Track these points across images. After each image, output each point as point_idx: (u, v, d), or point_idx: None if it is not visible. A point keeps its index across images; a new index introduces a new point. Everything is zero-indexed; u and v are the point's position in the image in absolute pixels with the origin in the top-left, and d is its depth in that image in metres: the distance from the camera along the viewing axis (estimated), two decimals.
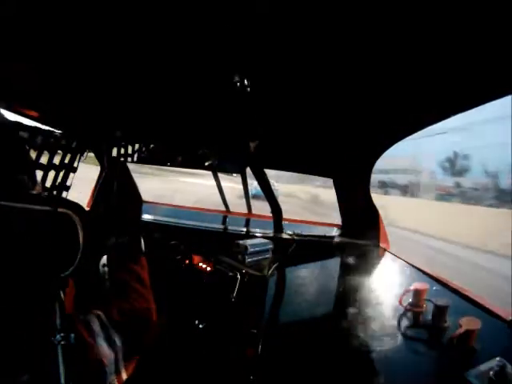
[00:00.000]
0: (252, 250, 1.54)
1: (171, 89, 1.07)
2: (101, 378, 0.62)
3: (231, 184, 1.90)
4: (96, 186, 1.96)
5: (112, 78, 1.01)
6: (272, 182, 1.99)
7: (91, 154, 1.83)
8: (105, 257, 1.16)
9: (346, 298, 1.29)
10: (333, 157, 1.60)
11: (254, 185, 2.05)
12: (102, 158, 1.92)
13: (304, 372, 0.83)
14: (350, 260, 1.70)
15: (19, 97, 1.12)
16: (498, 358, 0.74)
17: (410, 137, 1.21)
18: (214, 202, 2.34)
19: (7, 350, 0.49)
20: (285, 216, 1.98)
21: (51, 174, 1.32)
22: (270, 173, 1.89)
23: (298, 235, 1.83)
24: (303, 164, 1.77)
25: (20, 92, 1.09)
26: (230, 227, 2.00)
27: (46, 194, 1.27)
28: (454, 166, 31.36)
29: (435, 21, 0.56)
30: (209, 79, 0.95)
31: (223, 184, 2.04)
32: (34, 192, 0.77)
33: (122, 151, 1.70)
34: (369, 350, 0.91)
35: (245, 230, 1.99)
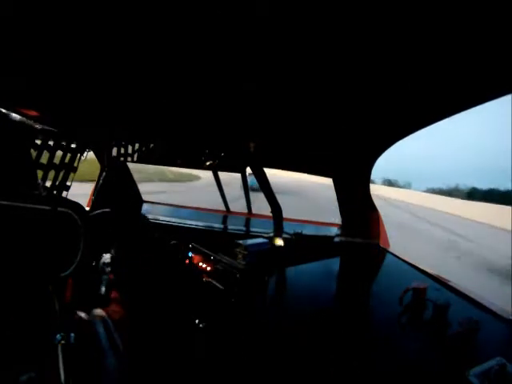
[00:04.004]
0: (252, 249, 1.54)
1: (171, 89, 1.07)
2: (97, 367, 0.62)
3: None
4: (96, 186, 1.96)
5: (112, 78, 1.01)
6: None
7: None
8: (107, 255, 1.16)
9: (346, 297, 1.29)
10: (332, 156, 1.60)
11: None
12: (102, 158, 1.92)
13: (305, 371, 0.83)
14: (350, 260, 1.70)
15: (19, 97, 1.12)
16: (498, 358, 0.74)
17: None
18: None
19: (7, 349, 0.49)
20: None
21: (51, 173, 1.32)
22: None
23: (298, 235, 1.83)
24: (303, 163, 1.77)
25: (20, 92, 1.08)
26: (230, 227, 2.00)
27: (45, 193, 1.27)
28: None
29: (435, 21, 0.56)
30: (209, 79, 0.95)
31: None
32: (36, 191, 0.77)
33: (122, 151, 1.70)
34: (368, 349, 0.91)
35: (245, 229, 1.99)
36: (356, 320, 1.08)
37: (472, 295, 1.08)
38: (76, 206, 0.65)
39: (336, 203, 1.81)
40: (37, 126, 1.25)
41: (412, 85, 0.84)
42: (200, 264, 1.63)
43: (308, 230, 1.91)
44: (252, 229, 1.98)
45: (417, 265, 1.42)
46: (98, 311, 0.76)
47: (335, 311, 1.18)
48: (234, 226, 2.02)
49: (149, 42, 0.76)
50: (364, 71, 0.79)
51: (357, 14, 0.57)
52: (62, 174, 1.39)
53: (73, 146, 1.43)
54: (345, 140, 1.39)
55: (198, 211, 2.40)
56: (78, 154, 1.48)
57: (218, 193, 2.21)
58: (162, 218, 1.99)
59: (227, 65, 0.84)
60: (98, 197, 1.89)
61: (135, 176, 2.12)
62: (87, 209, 1.81)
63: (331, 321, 1.08)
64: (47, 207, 0.60)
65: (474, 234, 12.43)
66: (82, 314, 0.70)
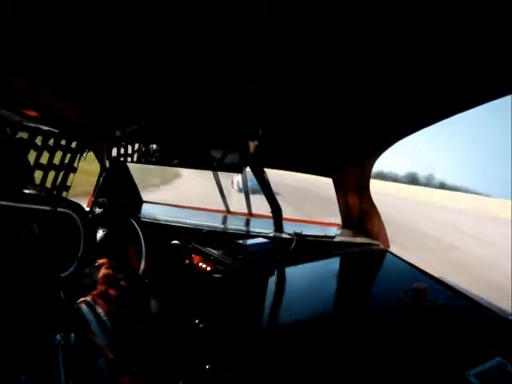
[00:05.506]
0: (252, 249, 1.54)
1: (171, 89, 1.07)
2: (96, 366, 0.62)
3: None
4: (96, 186, 1.96)
5: (112, 78, 1.01)
6: None
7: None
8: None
9: (346, 297, 1.29)
10: (332, 157, 1.60)
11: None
12: (102, 158, 1.92)
13: (305, 371, 0.83)
14: (350, 260, 1.70)
15: (19, 97, 1.12)
16: (498, 358, 0.74)
17: None
18: None
19: (7, 349, 0.49)
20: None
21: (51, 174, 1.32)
22: None
23: (298, 235, 1.83)
24: (303, 163, 1.78)
25: (20, 92, 1.09)
26: (229, 227, 2.00)
27: (45, 193, 1.27)
28: None
29: (435, 21, 0.56)
30: (209, 79, 0.95)
31: None
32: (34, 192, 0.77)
33: (122, 151, 1.70)
34: (368, 349, 0.91)
35: (245, 229, 1.99)
36: (356, 320, 1.08)
37: (472, 296, 1.08)
38: (76, 207, 0.65)
39: None
40: (37, 126, 1.25)
41: (412, 85, 0.84)
42: (200, 264, 1.63)
43: (308, 230, 1.91)
44: (252, 229, 1.98)
45: (417, 265, 1.42)
46: (85, 298, 0.76)
47: (335, 311, 1.18)
48: (234, 225, 2.02)
49: (148, 42, 0.76)
50: (364, 72, 0.79)
51: (357, 14, 0.57)
52: (61, 175, 1.39)
53: (73, 145, 1.43)
54: (345, 140, 1.39)
55: (198, 211, 2.39)
56: (78, 154, 1.48)
57: None
58: (162, 218, 1.99)
59: (227, 65, 0.84)
60: (97, 197, 1.89)
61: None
62: (87, 209, 1.82)
63: (331, 321, 1.08)
64: (47, 207, 0.60)
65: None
66: (72, 304, 0.71)
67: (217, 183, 2.14)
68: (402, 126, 1.16)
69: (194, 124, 1.43)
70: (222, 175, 2.05)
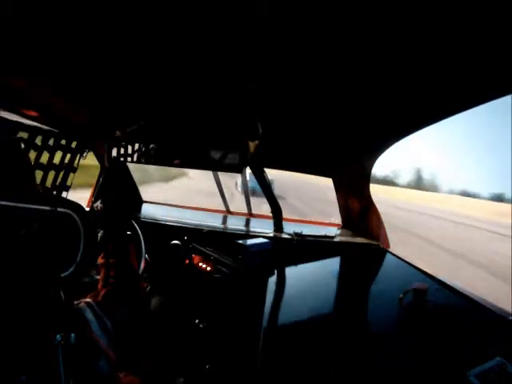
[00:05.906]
0: (252, 249, 1.54)
1: (171, 89, 1.07)
2: (96, 366, 0.62)
3: None
4: (96, 186, 1.96)
5: (112, 78, 1.01)
6: None
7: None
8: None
9: (346, 297, 1.29)
10: (332, 156, 1.60)
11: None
12: (102, 158, 1.92)
13: (305, 372, 0.83)
14: (350, 260, 1.70)
15: (19, 97, 1.12)
16: (498, 358, 0.74)
17: None
18: None
19: (7, 349, 0.49)
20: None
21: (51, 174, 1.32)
22: None
23: (298, 235, 1.83)
24: (303, 163, 1.78)
25: (20, 92, 1.09)
26: (229, 227, 2.00)
27: (45, 193, 1.27)
28: None
29: (433, 21, 0.56)
30: (209, 79, 0.95)
31: None
32: (34, 192, 0.77)
33: (122, 151, 1.70)
34: (369, 349, 0.91)
35: (245, 229, 1.99)
36: (356, 320, 1.08)
37: (472, 296, 1.08)
38: (76, 207, 0.65)
39: None
40: (37, 126, 1.25)
41: (412, 85, 0.84)
42: (200, 264, 1.63)
43: (308, 230, 1.91)
44: (252, 229, 1.98)
45: (417, 265, 1.42)
46: (87, 299, 0.76)
47: (335, 311, 1.18)
48: (234, 225, 2.02)
49: (148, 42, 0.76)
50: (364, 72, 0.79)
51: (358, 15, 0.57)
52: (61, 175, 1.39)
53: (73, 145, 1.43)
54: (345, 140, 1.39)
55: (198, 211, 2.40)
56: (78, 154, 1.48)
57: None
58: (162, 218, 1.99)
59: (227, 64, 0.84)
60: (97, 197, 1.90)
61: None
62: (87, 209, 1.82)
63: (331, 321, 1.08)
64: (47, 207, 0.60)
65: None
66: (73, 304, 0.71)
67: (217, 183, 2.14)
68: (403, 125, 1.16)
69: (194, 124, 1.43)
70: (227, 177, 2.05)
